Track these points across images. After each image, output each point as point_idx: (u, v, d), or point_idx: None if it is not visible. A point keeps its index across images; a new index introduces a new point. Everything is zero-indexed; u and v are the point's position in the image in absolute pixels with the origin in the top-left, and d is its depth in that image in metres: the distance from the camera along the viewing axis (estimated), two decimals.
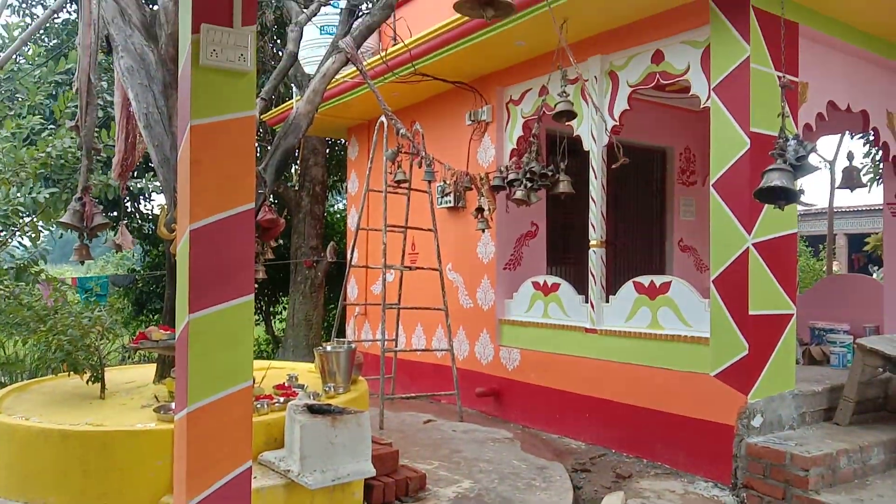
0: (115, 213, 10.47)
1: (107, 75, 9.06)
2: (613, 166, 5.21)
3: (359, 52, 5.40)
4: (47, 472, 3.70)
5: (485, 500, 4.01)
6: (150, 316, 10.98)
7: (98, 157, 6.31)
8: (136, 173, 8.38)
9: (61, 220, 5.07)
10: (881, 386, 5.17)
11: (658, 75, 5.22)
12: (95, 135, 5.63)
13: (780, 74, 4.03)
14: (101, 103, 8.61)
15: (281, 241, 5.58)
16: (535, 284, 6.30)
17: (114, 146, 7.09)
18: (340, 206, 14.96)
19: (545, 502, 4.00)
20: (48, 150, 6.51)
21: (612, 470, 4.78)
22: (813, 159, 3.92)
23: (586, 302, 5.70)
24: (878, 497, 3.93)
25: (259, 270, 4.97)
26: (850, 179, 6.71)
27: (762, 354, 4.52)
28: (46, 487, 3.69)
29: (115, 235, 6.74)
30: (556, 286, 6.07)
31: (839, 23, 5.14)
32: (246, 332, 3.15)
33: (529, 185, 5.40)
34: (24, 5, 11.15)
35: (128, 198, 11.12)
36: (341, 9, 6.35)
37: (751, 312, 4.49)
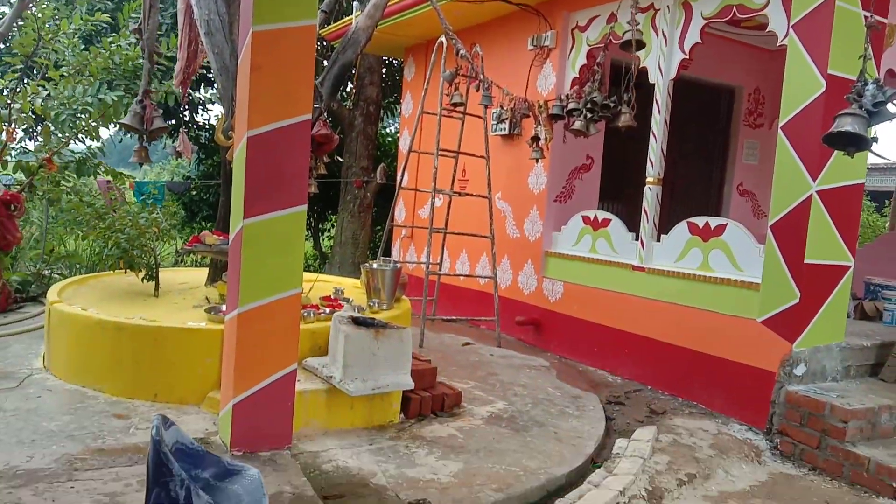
0: (174, 122, 10.64)
1: None
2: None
3: None
4: (102, 361, 3.91)
5: (517, 422, 4.11)
6: (202, 224, 11.28)
7: (158, 66, 6.40)
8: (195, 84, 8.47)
9: (122, 121, 5.18)
10: None
11: (735, 9, 4.95)
12: (157, 40, 5.67)
13: (868, 14, 3.78)
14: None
15: (329, 160, 5.61)
16: (585, 219, 6.23)
17: (174, 56, 7.17)
18: (393, 128, 14.90)
19: (577, 429, 4.07)
20: (111, 51, 6.61)
21: (646, 405, 4.82)
22: (891, 107, 3.72)
23: (636, 240, 5.63)
24: None
25: (311, 184, 5.03)
26: None
27: (813, 304, 4.43)
28: (101, 375, 3.91)
29: (174, 143, 6.88)
30: (606, 221, 6.00)
31: None
32: (297, 241, 3.22)
33: (589, 115, 5.25)
34: None
35: (186, 107, 11.26)
36: None
37: (806, 261, 4.37)
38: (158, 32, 5.80)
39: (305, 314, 4.15)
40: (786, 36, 4.57)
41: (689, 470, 3.73)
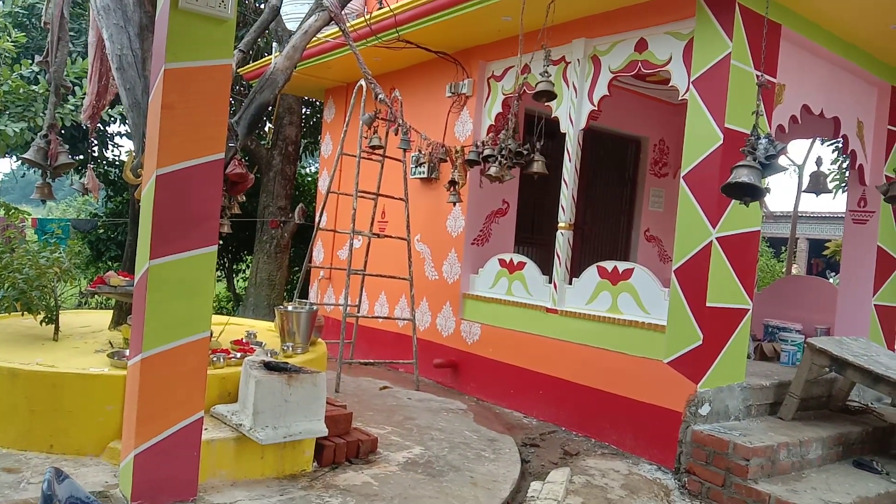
0: (82, 157, 10.24)
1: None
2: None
3: (343, 12, 5.32)
4: None
5: (434, 467, 4.07)
6: (109, 263, 10.80)
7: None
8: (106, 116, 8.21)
9: (24, 156, 4.94)
10: (826, 385, 5.34)
11: (640, 64, 5.24)
12: (65, 73, 5.49)
13: (759, 73, 4.08)
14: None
15: (244, 200, 5.52)
16: (502, 262, 6.33)
17: (77, 80, 6.92)
18: (312, 168, 14.82)
19: (493, 473, 4.07)
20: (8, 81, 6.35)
21: (560, 447, 4.88)
22: (782, 160, 3.99)
23: (550, 282, 5.76)
24: (811, 489, 4.08)
25: (224, 224, 4.92)
26: (817, 184, 6.85)
27: (716, 346, 4.63)
28: None
29: (81, 178, 6.61)
30: (521, 264, 6.12)
31: (820, 29, 5.21)
32: (206, 283, 3.13)
33: (504, 162, 5.40)
34: None
35: (94, 142, 10.87)
36: None
37: (708, 304, 4.58)
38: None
39: (214, 359, 4.01)
40: (686, 91, 4.86)
41: None
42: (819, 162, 6.88)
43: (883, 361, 4.93)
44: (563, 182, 5.70)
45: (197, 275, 3.10)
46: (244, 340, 4.72)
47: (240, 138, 4.90)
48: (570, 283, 5.65)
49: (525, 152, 5.40)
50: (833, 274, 20.49)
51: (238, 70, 8.15)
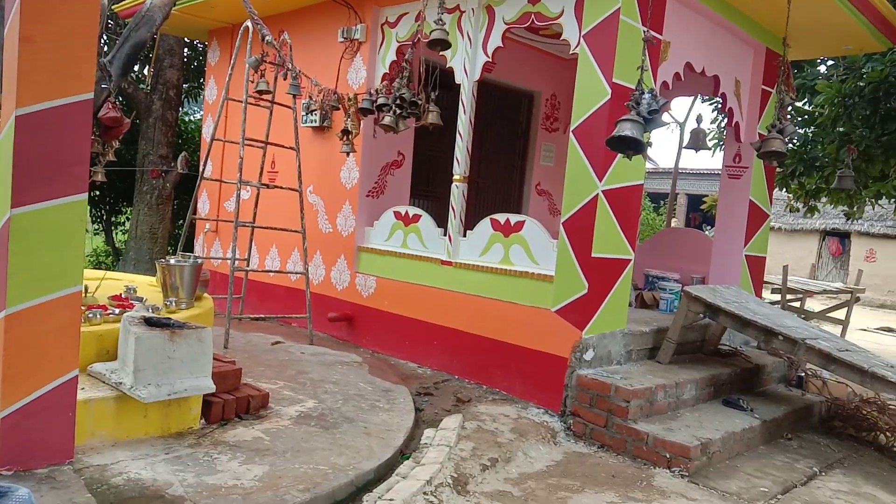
0: None
1: None
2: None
3: None
4: None
5: (327, 419, 4.05)
6: None
7: None
8: None
9: None
10: (700, 330, 5.70)
11: (533, 16, 5.25)
12: None
13: (646, 29, 4.18)
14: None
15: (120, 146, 5.15)
16: (397, 214, 6.29)
17: None
18: (196, 115, 14.07)
19: (386, 423, 4.10)
20: None
21: (453, 394, 4.97)
22: (664, 116, 4.14)
23: (444, 235, 5.78)
24: (685, 427, 4.37)
25: (98, 172, 4.59)
26: (696, 140, 7.19)
27: (599, 294, 4.82)
28: None
29: None
30: (417, 217, 6.10)
31: None
32: (76, 234, 2.92)
33: (398, 111, 5.31)
34: None
35: None
36: None
37: (594, 255, 4.75)
38: None
39: (91, 315, 3.77)
40: (577, 45, 4.92)
41: (491, 455, 3.90)
42: (699, 119, 7.21)
43: (751, 308, 5.31)
44: (457, 134, 5.69)
45: (65, 225, 2.88)
46: (123, 296, 4.47)
47: (114, 79, 4.55)
48: (465, 236, 5.69)
49: (419, 102, 5.33)
50: (709, 227, 21.82)
51: (112, 7, 7.54)
